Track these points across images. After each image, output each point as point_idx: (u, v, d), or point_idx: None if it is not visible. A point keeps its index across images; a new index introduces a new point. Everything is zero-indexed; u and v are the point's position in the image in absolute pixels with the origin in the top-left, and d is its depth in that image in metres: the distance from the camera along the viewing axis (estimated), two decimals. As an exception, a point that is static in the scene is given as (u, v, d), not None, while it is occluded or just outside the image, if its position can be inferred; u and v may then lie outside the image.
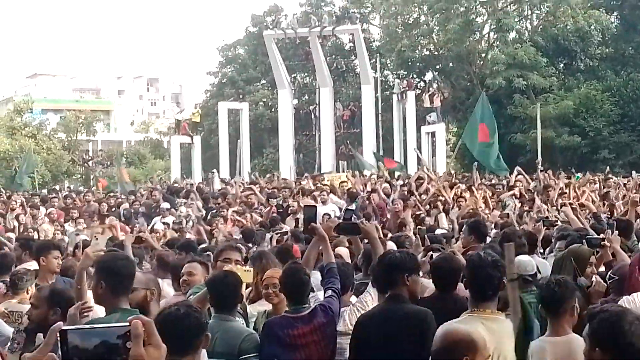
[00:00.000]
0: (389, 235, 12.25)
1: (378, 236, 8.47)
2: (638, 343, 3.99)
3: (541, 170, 24.09)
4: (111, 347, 2.40)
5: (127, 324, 2.42)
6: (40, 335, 5.86)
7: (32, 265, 9.55)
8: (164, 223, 17.17)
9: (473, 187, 20.28)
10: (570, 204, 14.29)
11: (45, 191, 32.01)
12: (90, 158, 54.97)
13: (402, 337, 6.09)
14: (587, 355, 4.15)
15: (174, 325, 4.58)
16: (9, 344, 7.01)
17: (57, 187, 38.71)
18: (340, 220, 9.01)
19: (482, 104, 23.14)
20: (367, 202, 19.02)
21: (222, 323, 6.21)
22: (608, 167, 28.46)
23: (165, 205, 20.56)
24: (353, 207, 17.40)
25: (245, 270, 6.91)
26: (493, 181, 24.39)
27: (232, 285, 6.39)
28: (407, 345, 6.03)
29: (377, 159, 35.43)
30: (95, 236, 8.05)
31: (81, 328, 2.48)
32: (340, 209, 17.99)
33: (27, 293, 7.93)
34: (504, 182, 23.14)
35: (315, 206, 11.77)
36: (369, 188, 20.87)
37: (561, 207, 13.60)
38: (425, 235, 11.35)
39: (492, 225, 13.62)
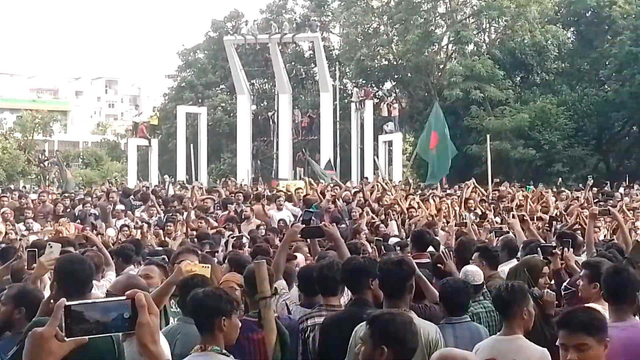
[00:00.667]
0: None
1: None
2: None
3: (496, 183, 24.43)
4: (113, 319, 2.68)
5: (125, 297, 2.71)
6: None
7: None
8: (121, 226, 17.04)
9: (432, 197, 20.56)
10: (522, 215, 14.52)
11: (-1, 190, 31.66)
12: (45, 158, 54.44)
13: None
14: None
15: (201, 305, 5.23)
16: None
17: (12, 187, 38.28)
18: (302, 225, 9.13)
19: (436, 113, 23.35)
20: (330, 207, 19.14)
21: (185, 326, 6.17)
22: (560, 180, 28.84)
23: (120, 207, 20.53)
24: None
25: (203, 267, 6.97)
26: (448, 191, 24.63)
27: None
28: None
29: (327, 167, 35.49)
30: (49, 244, 8.00)
31: (84, 303, 2.69)
32: (295, 216, 18.12)
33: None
34: (457, 192, 23.40)
35: (312, 211, 11.89)
36: (328, 196, 20.90)
37: (508, 219, 13.73)
38: (382, 245, 11.57)
39: (449, 235, 13.75)
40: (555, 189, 25.80)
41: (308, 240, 9.92)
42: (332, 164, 36.33)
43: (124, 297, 2.74)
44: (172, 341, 5.86)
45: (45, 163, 50.45)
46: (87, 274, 5.72)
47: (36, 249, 8.95)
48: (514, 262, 9.43)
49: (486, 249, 8.97)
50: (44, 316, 5.81)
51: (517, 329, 5.95)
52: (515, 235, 11.51)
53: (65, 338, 2.62)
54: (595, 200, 20.41)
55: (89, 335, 2.66)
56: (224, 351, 5.19)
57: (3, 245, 11.93)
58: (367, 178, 32.23)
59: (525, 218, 13.72)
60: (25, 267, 8.37)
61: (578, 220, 15.14)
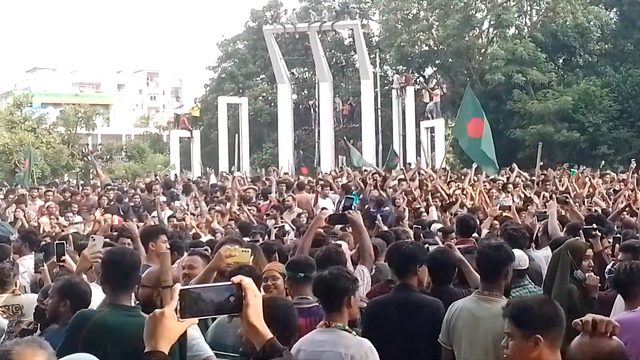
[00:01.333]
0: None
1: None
2: None
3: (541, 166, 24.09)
4: (220, 302, 3.15)
5: (230, 282, 3.19)
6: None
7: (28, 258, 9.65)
8: (169, 217, 17.01)
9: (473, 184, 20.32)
10: (565, 196, 14.34)
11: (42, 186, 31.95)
12: (89, 152, 54.83)
13: (416, 325, 6.41)
14: None
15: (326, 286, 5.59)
16: (3, 336, 7.07)
17: (57, 181, 38.62)
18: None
19: (471, 98, 22.74)
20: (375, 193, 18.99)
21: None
22: (603, 162, 28.35)
23: (162, 198, 20.60)
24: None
25: (243, 251, 6.96)
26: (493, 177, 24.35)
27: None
28: (420, 332, 6.39)
29: (391, 156, 35.10)
30: (92, 237, 8.02)
31: (196, 287, 3.22)
32: (334, 203, 18.13)
33: (16, 286, 7.97)
34: (504, 178, 23.13)
35: (352, 197, 11.93)
36: (370, 181, 20.72)
37: (547, 202, 13.53)
38: (421, 233, 11.51)
39: (492, 220, 13.58)
40: (599, 172, 25.45)
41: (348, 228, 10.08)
42: (396, 153, 36.06)
43: (229, 283, 3.21)
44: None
45: (89, 157, 50.74)
46: (132, 265, 5.73)
47: (64, 242, 9.01)
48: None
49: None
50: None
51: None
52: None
53: (180, 318, 3.10)
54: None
55: (199, 316, 3.19)
56: (347, 327, 5.50)
57: (48, 239, 11.96)
58: (410, 164, 32.08)
59: (567, 200, 13.56)
60: (55, 260, 8.42)
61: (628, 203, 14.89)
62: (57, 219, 17.98)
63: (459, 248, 8.06)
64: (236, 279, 3.20)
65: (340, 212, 9.38)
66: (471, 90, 23.82)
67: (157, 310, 3.13)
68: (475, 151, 21.51)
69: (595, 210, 14.12)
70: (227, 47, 64.27)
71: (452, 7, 47.85)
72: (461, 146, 24.27)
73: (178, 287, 3.13)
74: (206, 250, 8.86)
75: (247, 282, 3.20)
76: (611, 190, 19.32)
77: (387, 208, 16.33)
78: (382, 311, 6.58)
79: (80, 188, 25.87)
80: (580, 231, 9.14)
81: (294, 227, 13.97)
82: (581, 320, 3.63)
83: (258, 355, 3.29)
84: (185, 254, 8.77)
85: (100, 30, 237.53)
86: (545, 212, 13.38)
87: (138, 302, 5.97)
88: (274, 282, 7.00)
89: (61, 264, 8.19)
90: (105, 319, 5.35)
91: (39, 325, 6.52)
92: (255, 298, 3.21)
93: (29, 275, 9.43)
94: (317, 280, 5.78)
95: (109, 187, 23.04)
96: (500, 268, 6.16)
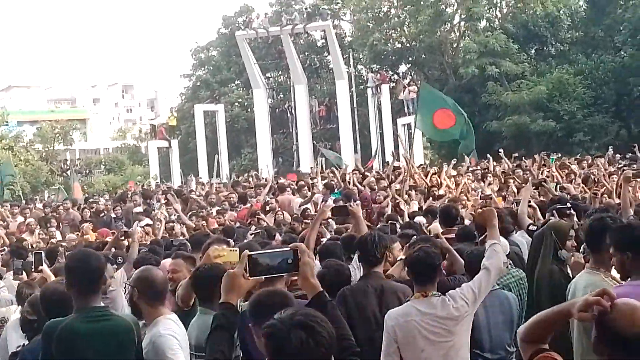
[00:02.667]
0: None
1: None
2: None
3: (516, 157, 24.37)
4: (279, 263, 4.12)
5: (287, 248, 4.20)
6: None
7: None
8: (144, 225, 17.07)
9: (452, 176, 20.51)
10: (543, 180, 14.49)
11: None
12: (68, 167, 54.70)
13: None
14: None
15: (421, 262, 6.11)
16: None
17: (37, 198, 38.48)
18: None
19: (428, 92, 22.42)
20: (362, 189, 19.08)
21: (201, 316, 6.18)
22: (581, 150, 28.55)
23: (138, 209, 20.60)
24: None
25: (231, 251, 7.00)
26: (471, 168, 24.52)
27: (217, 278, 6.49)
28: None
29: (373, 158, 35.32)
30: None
31: (260, 253, 4.29)
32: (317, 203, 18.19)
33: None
34: (482, 166, 23.36)
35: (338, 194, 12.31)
36: (354, 179, 20.77)
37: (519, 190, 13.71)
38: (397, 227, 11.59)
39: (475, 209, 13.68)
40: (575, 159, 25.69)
41: None
42: (374, 154, 36.31)
43: (287, 248, 4.20)
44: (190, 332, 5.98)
45: (68, 172, 50.58)
46: (96, 268, 5.61)
47: (42, 252, 9.07)
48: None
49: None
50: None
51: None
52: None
53: (249, 277, 4.09)
54: (621, 166, 20.27)
55: (264, 275, 4.16)
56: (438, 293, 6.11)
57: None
58: (388, 162, 32.16)
59: (543, 184, 13.76)
60: (33, 270, 8.50)
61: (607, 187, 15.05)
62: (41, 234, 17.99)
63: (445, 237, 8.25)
64: (292, 245, 4.25)
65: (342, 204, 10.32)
66: (427, 85, 23.84)
67: (230, 271, 4.21)
68: (450, 139, 21.68)
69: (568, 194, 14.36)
70: (200, 55, 64.09)
71: (422, 3, 48.08)
72: (433, 139, 24.15)
73: (247, 252, 4.10)
74: (190, 251, 8.96)
75: (302, 246, 4.21)
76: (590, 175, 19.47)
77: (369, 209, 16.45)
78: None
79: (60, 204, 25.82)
80: (555, 211, 9.25)
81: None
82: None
83: (310, 305, 4.03)
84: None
85: (73, 45, 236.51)
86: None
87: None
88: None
89: (39, 273, 8.26)
90: (72, 326, 5.31)
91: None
92: (309, 259, 4.13)
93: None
94: (412, 258, 6.19)
95: (90, 200, 23.05)
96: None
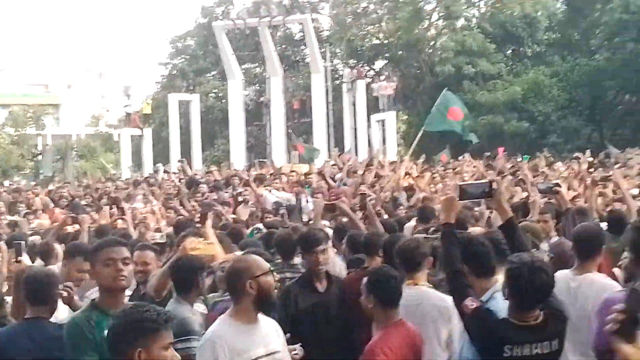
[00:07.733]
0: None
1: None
2: None
3: (487, 157, 24.37)
4: (481, 191, 5.62)
5: (486, 180, 6.82)
6: None
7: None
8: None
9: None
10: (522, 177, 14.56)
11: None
12: (39, 152, 54.34)
13: None
14: None
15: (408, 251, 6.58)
16: None
17: (7, 182, 38.12)
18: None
19: (450, 96, 23.01)
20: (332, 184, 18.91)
21: (177, 307, 6.22)
22: (545, 152, 28.40)
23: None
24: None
25: (207, 244, 7.05)
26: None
27: (193, 270, 6.57)
28: None
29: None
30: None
31: (468, 184, 6.19)
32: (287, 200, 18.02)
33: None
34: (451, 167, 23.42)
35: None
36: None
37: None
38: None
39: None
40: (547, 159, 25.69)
41: None
42: (350, 151, 36.31)
43: (486, 181, 5.93)
44: None
45: (39, 157, 50.28)
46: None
47: (22, 241, 8.85)
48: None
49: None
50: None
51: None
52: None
53: (460, 201, 5.58)
54: (590, 169, 20.29)
55: (472, 199, 5.91)
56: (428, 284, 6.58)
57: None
58: (341, 153, 31.69)
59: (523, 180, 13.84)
60: (14, 260, 8.28)
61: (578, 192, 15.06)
62: (7, 219, 17.71)
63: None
64: (490, 178, 6.38)
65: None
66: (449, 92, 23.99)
67: (449, 196, 5.76)
68: (451, 129, 21.99)
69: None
70: (178, 44, 63.92)
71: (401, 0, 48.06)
72: (440, 129, 24.01)
73: (457, 183, 5.83)
74: (155, 244, 8.83)
75: (498, 179, 6.01)
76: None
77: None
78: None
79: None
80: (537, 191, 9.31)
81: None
82: None
83: (502, 227, 5.52)
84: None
85: (48, 29, 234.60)
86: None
87: None
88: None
89: (17, 263, 8.09)
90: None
91: None
92: (504, 190, 4.97)
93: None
94: (399, 248, 6.54)
95: (59, 186, 22.77)
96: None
